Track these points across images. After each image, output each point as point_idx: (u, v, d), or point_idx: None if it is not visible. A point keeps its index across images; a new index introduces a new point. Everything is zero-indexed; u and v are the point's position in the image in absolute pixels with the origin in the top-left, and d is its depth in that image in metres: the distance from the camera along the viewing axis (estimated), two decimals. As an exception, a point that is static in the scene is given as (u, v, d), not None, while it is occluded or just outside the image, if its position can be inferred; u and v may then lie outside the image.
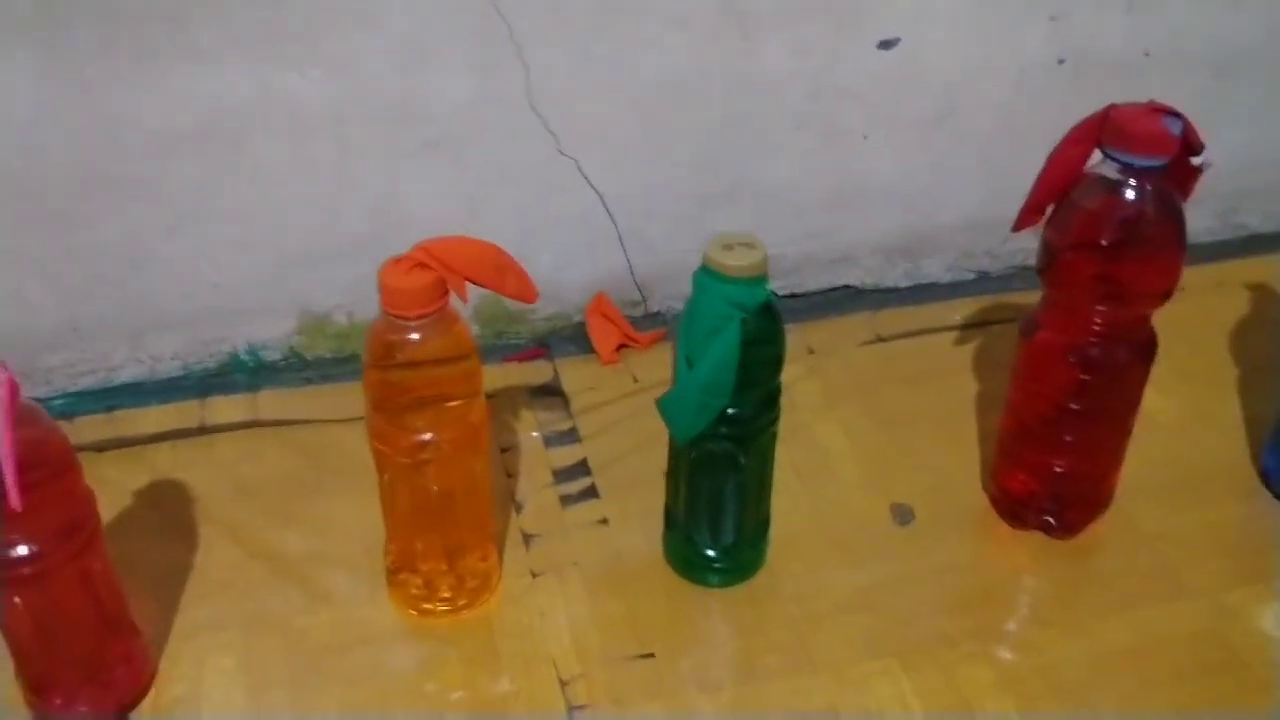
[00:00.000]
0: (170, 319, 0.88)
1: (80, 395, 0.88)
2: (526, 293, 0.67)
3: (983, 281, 1.04)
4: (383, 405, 0.67)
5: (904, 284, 1.03)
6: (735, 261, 0.64)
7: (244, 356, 0.91)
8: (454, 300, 0.64)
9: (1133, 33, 0.94)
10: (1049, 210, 0.71)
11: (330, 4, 0.78)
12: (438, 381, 0.66)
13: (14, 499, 0.56)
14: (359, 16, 0.79)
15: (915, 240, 1.01)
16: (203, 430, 0.87)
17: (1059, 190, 0.69)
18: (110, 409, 0.88)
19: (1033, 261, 1.03)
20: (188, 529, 0.79)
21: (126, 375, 0.90)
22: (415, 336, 0.64)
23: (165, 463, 0.84)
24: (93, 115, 0.78)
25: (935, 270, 1.03)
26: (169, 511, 0.80)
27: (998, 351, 0.94)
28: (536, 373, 0.93)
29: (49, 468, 0.60)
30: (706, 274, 0.65)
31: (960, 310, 1.00)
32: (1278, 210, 1.09)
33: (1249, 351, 0.95)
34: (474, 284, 0.64)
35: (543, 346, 0.96)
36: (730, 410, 0.67)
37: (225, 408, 0.89)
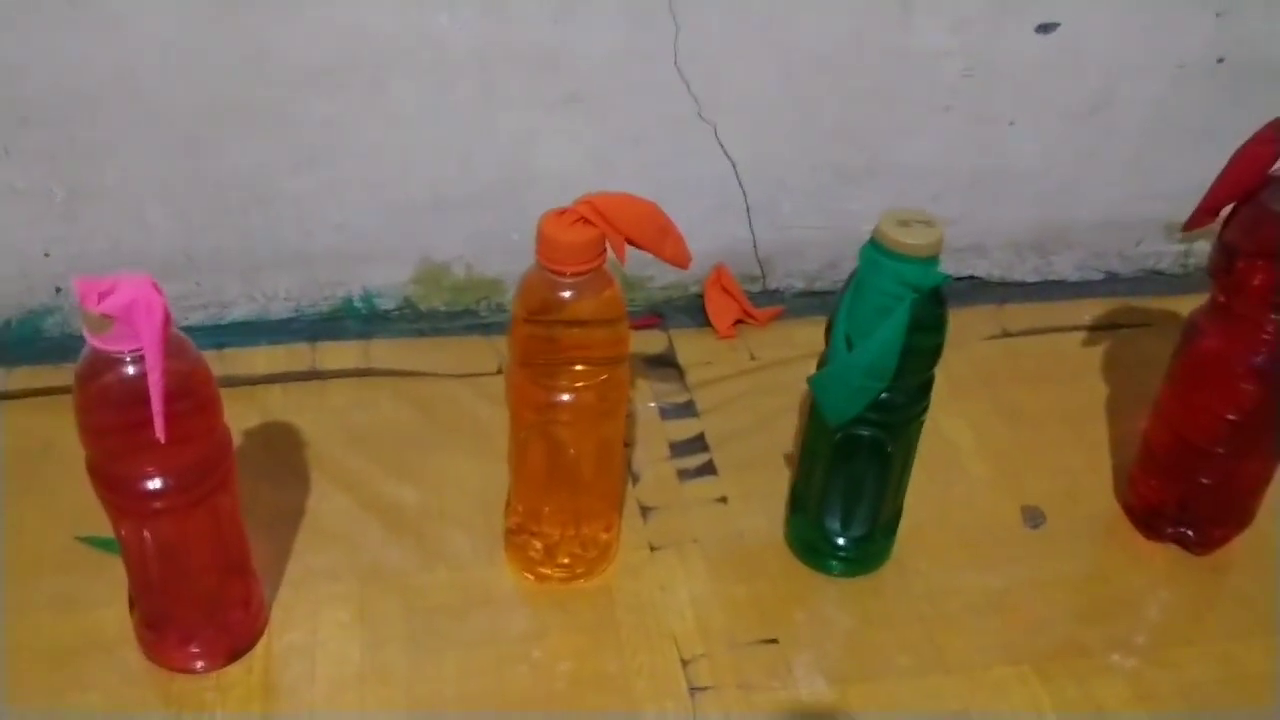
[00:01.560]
0: (287, 257, 0.86)
1: (191, 330, 0.86)
2: (682, 258, 0.64)
3: (1111, 283, 1.01)
4: (529, 361, 0.64)
5: (1031, 279, 0.99)
6: (913, 240, 0.61)
7: (357, 303, 0.89)
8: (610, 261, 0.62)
9: (1300, 36, 0.90)
10: (1226, 211, 0.68)
11: (492, -57, 0.76)
12: (586, 343, 0.63)
13: (160, 429, 0.55)
14: (518, -43, 0.76)
15: (1048, 235, 0.97)
16: (314, 374, 0.85)
17: (1241, 191, 0.66)
18: (220, 346, 0.86)
19: (1163, 266, 1.01)
20: (300, 474, 0.77)
21: (238, 313, 0.88)
22: (569, 294, 0.61)
23: (276, 405, 0.82)
24: (233, 40, 0.76)
25: (1064, 268, 1.00)
26: (281, 455, 0.79)
27: (1126, 355, 0.91)
28: (651, 342, 0.91)
29: (193, 400, 0.58)
30: (878, 250, 0.62)
31: (1089, 310, 0.96)
32: None
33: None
34: (633, 245, 0.62)
35: (658, 315, 0.93)
36: (884, 395, 0.65)
37: (337, 353, 0.87)
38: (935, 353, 0.66)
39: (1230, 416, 0.70)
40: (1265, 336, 0.67)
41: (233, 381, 0.83)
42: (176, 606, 0.64)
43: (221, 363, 0.85)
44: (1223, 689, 0.68)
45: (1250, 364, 0.68)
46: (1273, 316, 0.67)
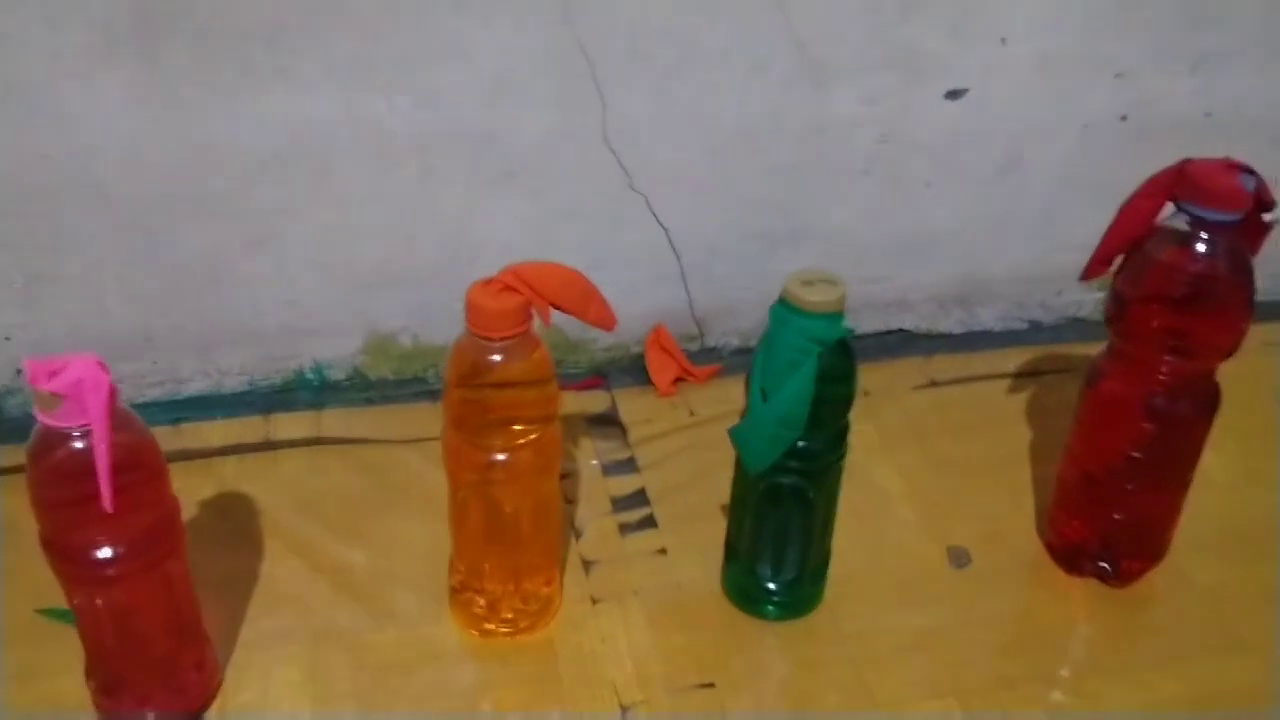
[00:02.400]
0: (240, 334, 0.90)
1: (147, 406, 0.90)
2: (607, 320, 0.68)
3: (1035, 332, 1.05)
4: (461, 423, 0.68)
5: (957, 330, 1.04)
6: (816, 297, 0.65)
7: (309, 374, 0.93)
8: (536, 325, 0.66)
9: (1195, 94, 0.96)
10: (1117, 261, 0.72)
11: (424, 37, 0.80)
12: (517, 403, 0.67)
13: (106, 500, 0.58)
14: (450, 50, 0.81)
15: (971, 288, 1.02)
16: (268, 445, 0.88)
17: (1130, 241, 0.71)
18: (177, 421, 0.89)
19: (1084, 314, 1.06)
20: (254, 541, 0.80)
21: (194, 389, 0.92)
22: (498, 358, 0.65)
23: (231, 475, 0.85)
24: (185, 133, 0.80)
25: (988, 319, 1.04)
26: (235, 523, 0.82)
27: (1049, 401, 0.95)
28: (594, 402, 0.95)
29: (140, 472, 0.61)
30: (786, 308, 0.66)
31: (1013, 359, 1.01)
32: (1328, 274, 1.10)
33: (1300, 413, 0.95)
34: (558, 309, 0.66)
35: (600, 376, 0.97)
36: (801, 444, 0.68)
37: (289, 424, 0.90)
38: (847, 402, 0.70)
39: (1134, 454, 0.74)
40: (1161, 377, 0.72)
41: (189, 455, 0.87)
42: (131, 671, 0.66)
43: (178, 437, 0.88)
44: (1139, 717, 0.71)
45: (1148, 403, 0.72)
46: (1166, 358, 0.71)
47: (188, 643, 0.68)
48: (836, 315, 0.66)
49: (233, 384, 0.92)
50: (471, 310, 0.64)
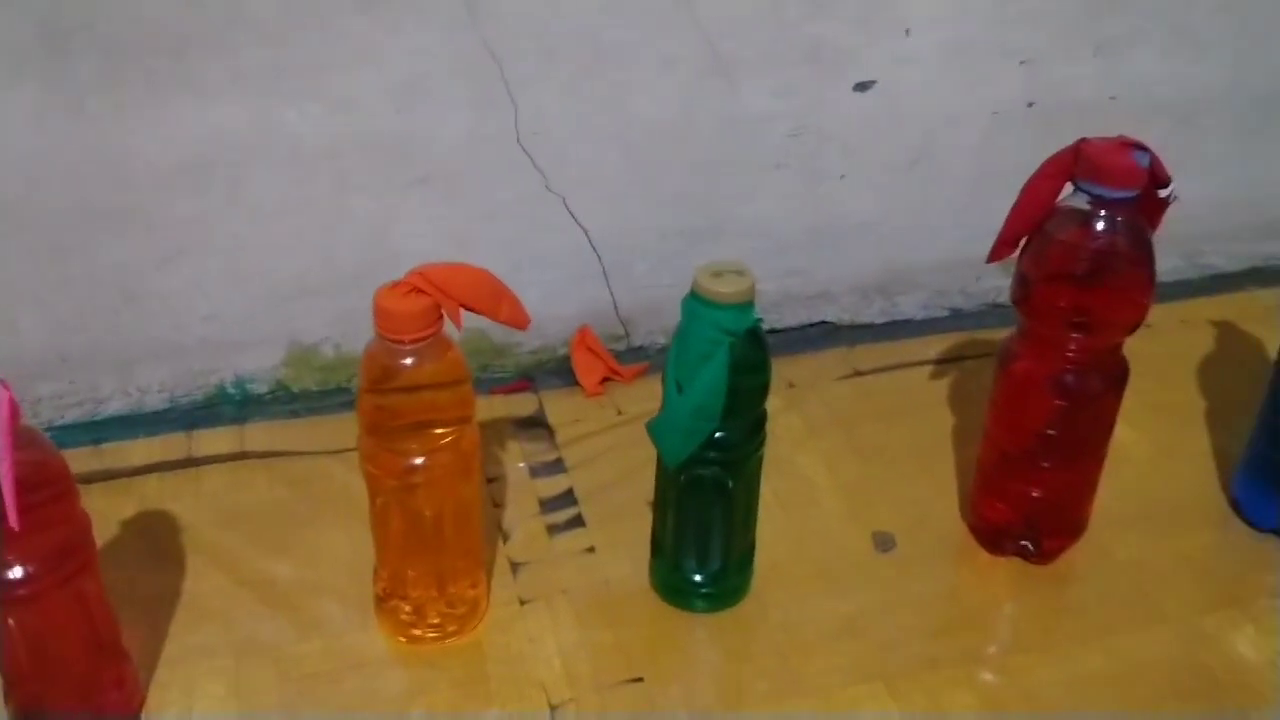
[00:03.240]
0: (160, 351, 0.89)
1: (67, 428, 0.89)
2: (519, 319, 0.68)
3: (956, 318, 1.07)
4: (376, 429, 0.68)
5: (879, 320, 1.05)
6: (724, 288, 0.66)
7: (230, 389, 0.92)
8: (448, 327, 0.66)
9: (1100, 78, 0.98)
10: (1022, 242, 0.73)
11: (332, 43, 0.80)
12: (431, 406, 0.67)
13: (13, 520, 0.57)
14: (360, 56, 0.81)
15: (891, 278, 1.03)
16: (190, 462, 0.87)
17: (1033, 223, 0.72)
18: (97, 442, 0.88)
19: (1004, 299, 1.07)
20: (176, 558, 0.79)
21: (113, 408, 0.90)
22: (409, 361, 0.65)
23: (153, 493, 0.85)
24: (92, 147, 0.80)
25: (910, 308, 1.05)
26: (157, 540, 0.81)
27: (971, 386, 0.97)
28: (522, 405, 0.95)
29: (48, 490, 0.61)
30: (696, 300, 0.67)
31: (935, 346, 1.02)
32: (1239, 250, 1.13)
33: (1215, 386, 0.97)
34: (468, 310, 0.65)
35: (527, 379, 0.97)
36: (718, 435, 0.69)
37: (212, 440, 0.89)
38: (762, 390, 0.70)
39: (1048, 431, 0.75)
40: (1069, 354, 0.73)
41: (111, 475, 0.86)
42: (50, 693, 0.65)
43: (98, 458, 0.87)
44: (1064, 691, 0.72)
45: (1058, 381, 0.74)
46: (1073, 335, 0.72)
47: (107, 661, 0.67)
48: (746, 305, 0.66)
49: (153, 402, 0.91)
50: (380, 314, 0.64)
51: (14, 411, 0.57)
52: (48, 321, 0.86)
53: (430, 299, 0.64)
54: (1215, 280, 1.13)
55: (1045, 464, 0.76)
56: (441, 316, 0.65)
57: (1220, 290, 1.11)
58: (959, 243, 1.02)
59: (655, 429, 0.70)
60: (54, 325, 0.86)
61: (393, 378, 0.65)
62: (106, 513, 0.81)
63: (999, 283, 1.06)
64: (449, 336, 0.66)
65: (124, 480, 0.85)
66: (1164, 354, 0.97)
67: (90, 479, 0.85)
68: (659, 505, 0.76)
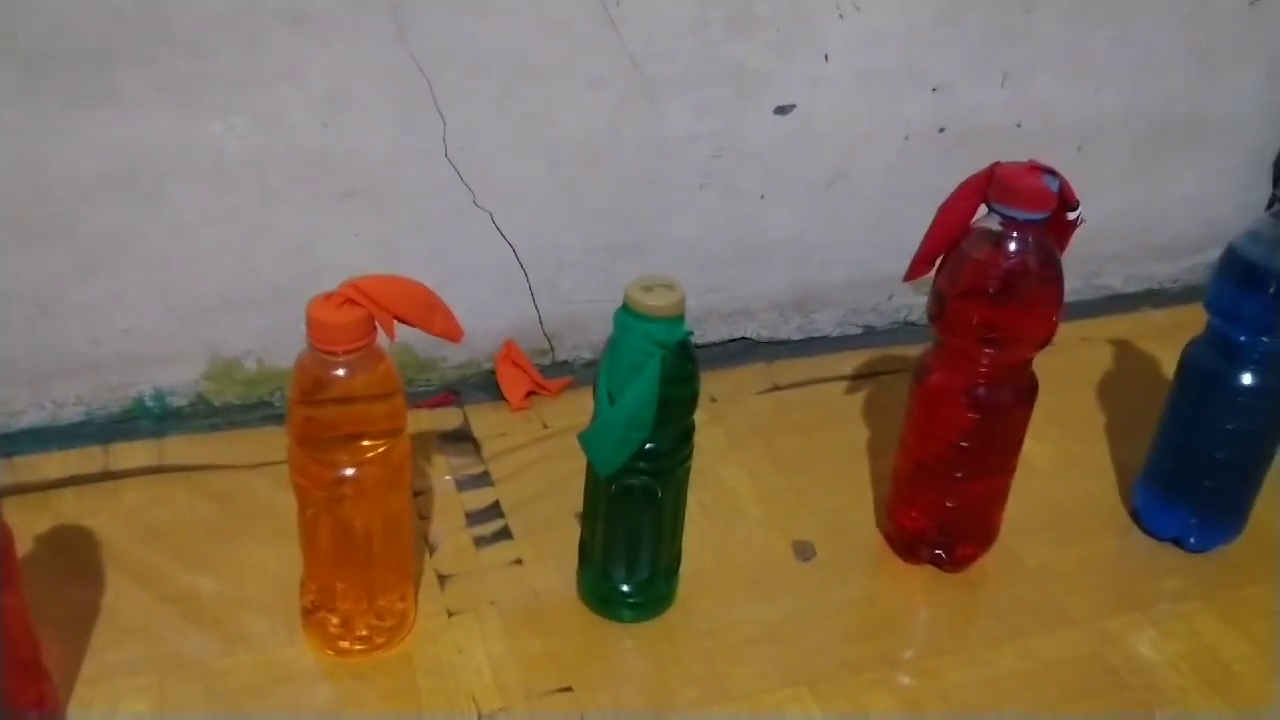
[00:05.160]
0: (76, 364, 0.87)
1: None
2: (453, 331, 0.69)
3: (869, 335, 1.10)
4: (306, 440, 0.68)
5: (797, 337, 1.08)
6: (655, 301, 0.67)
7: (149, 403, 0.91)
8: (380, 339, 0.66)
9: (1006, 105, 1.02)
10: (938, 261, 0.76)
11: (257, 56, 0.80)
12: (363, 418, 0.67)
13: (-67, 532, 0.56)
14: (285, 69, 0.81)
15: (807, 296, 1.06)
16: (107, 475, 0.86)
17: (948, 242, 0.75)
18: (10, 455, 0.86)
19: (914, 318, 1.11)
20: (96, 574, 0.78)
21: (27, 421, 0.88)
22: (341, 373, 0.65)
23: (69, 508, 0.83)
24: (10, 158, 0.78)
25: (826, 324, 1.08)
26: (75, 556, 0.79)
27: (885, 400, 1.00)
28: (447, 419, 0.95)
29: (-31, 501, 0.59)
30: (628, 313, 0.68)
31: (850, 362, 1.05)
32: (1135, 272, 1.19)
33: (1113, 401, 1.02)
34: (401, 322, 0.66)
35: (452, 393, 0.97)
36: (649, 445, 0.70)
37: (130, 453, 0.88)
38: (691, 402, 0.72)
39: (962, 443, 0.78)
40: (981, 369, 0.76)
41: (24, 489, 0.84)
42: (-35, 712, 0.64)
43: (11, 471, 0.85)
44: (979, 692, 0.75)
45: (971, 394, 0.77)
46: (985, 350, 0.75)
47: (26, 680, 0.65)
48: (677, 319, 0.68)
49: (69, 415, 0.89)
50: (313, 325, 0.64)
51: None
52: (-41, 334, 0.84)
53: (364, 310, 0.64)
54: (1112, 300, 1.18)
55: (958, 474, 0.79)
56: (374, 328, 0.65)
57: (1116, 310, 1.16)
58: (872, 261, 1.05)
59: (587, 439, 0.71)
60: (-35, 338, 0.84)
61: (324, 389, 0.65)
62: (21, 527, 0.78)
63: (909, 300, 1.09)
64: (381, 348, 0.67)
65: (38, 494, 0.84)
66: (1065, 370, 1.00)
67: (3, 492, 0.83)
68: (588, 515, 0.77)
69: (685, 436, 0.73)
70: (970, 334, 0.75)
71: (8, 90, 0.76)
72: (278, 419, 0.92)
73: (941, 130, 1.01)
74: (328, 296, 0.65)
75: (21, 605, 0.64)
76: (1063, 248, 0.74)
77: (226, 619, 0.75)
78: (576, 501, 0.86)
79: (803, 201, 1.00)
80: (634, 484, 0.72)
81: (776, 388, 1.02)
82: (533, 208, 0.93)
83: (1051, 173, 0.72)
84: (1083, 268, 1.15)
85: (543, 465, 0.91)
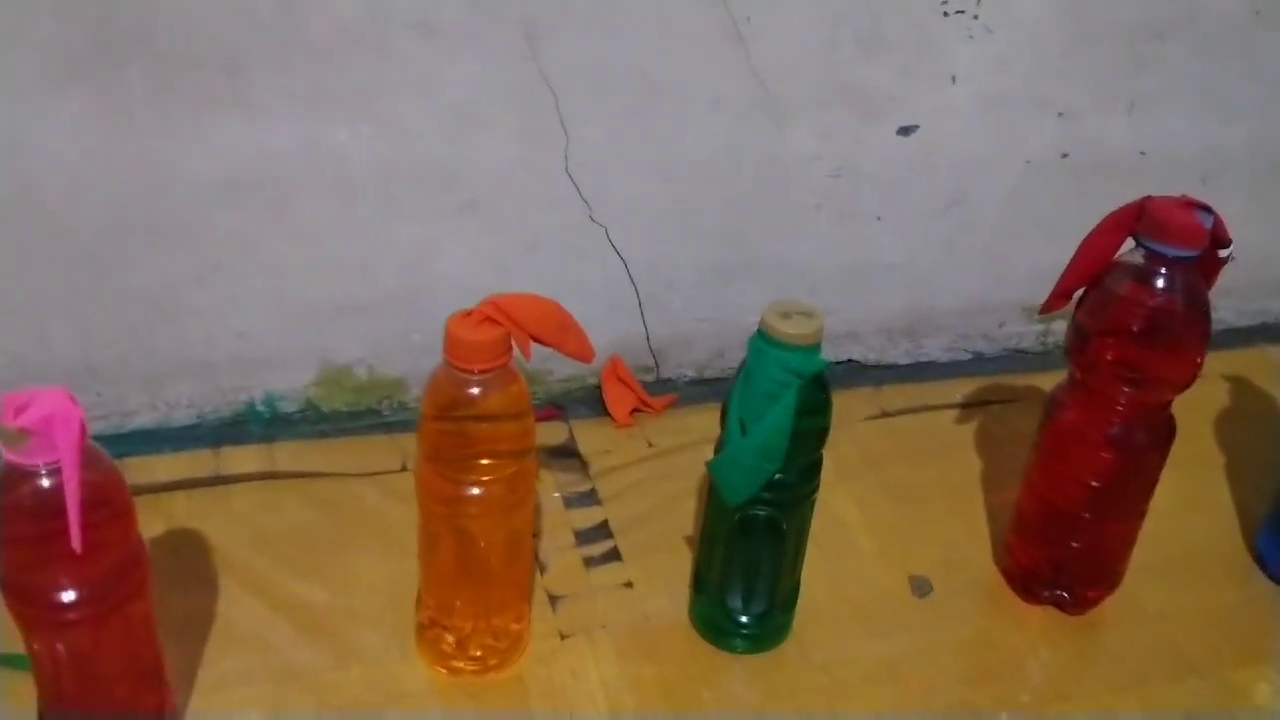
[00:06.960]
0: (189, 366, 0.87)
1: (92, 440, 0.86)
2: (585, 352, 0.68)
3: (978, 362, 1.08)
4: (437, 457, 0.67)
5: (904, 361, 1.06)
6: (794, 330, 0.66)
7: (260, 407, 0.91)
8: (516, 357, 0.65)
9: (1131, 133, 0.99)
10: (1076, 295, 0.74)
11: (389, 68, 0.80)
12: (494, 437, 0.66)
13: (76, 541, 0.55)
14: (416, 81, 0.81)
15: (917, 320, 1.04)
16: (218, 480, 0.86)
17: (1090, 276, 0.73)
18: (122, 455, 0.86)
19: (1025, 345, 1.09)
20: (208, 579, 0.78)
21: (140, 422, 0.89)
22: (476, 391, 0.64)
23: (180, 511, 0.83)
24: (138, 159, 0.78)
25: (934, 350, 1.06)
26: (187, 561, 0.79)
27: (997, 431, 0.97)
28: (552, 434, 0.94)
29: (108, 510, 0.59)
30: (764, 340, 0.67)
31: (959, 389, 1.03)
32: (1250, 307, 1.15)
33: (1232, 442, 0.99)
34: (537, 341, 0.65)
35: (557, 408, 0.96)
36: (778, 475, 0.69)
37: (240, 458, 0.88)
38: (822, 434, 0.70)
39: (1093, 483, 0.76)
40: (1119, 408, 0.74)
41: (135, 490, 0.81)
42: (88, 718, 0.63)
43: (124, 472, 0.84)
44: (1102, 740, 0.73)
45: (1107, 434, 0.74)
46: (1124, 390, 0.73)
47: (149, 687, 0.65)
48: (814, 347, 0.66)
49: (181, 417, 0.89)
50: (451, 342, 0.63)
51: (83, 429, 0.56)
52: (78, 333, 0.84)
53: (502, 329, 0.64)
54: (1226, 335, 1.15)
55: (1087, 515, 0.77)
56: (511, 347, 0.65)
57: (1231, 345, 1.13)
58: (984, 287, 1.03)
59: (717, 467, 0.70)
60: (84, 337, 0.84)
61: (459, 406, 0.65)
62: (134, 530, 0.79)
63: (1020, 329, 1.07)
64: (515, 368, 0.66)
65: (150, 496, 0.83)
66: (1181, 408, 0.98)
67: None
68: (706, 542, 0.75)
69: (813, 469, 0.72)
70: (1111, 373, 0.73)
71: (142, 92, 0.76)
72: (385, 427, 0.92)
73: (1064, 156, 0.99)
74: (467, 314, 0.64)
75: (151, 615, 0.64)
76: (1209, 285, 0.72)
77: (338, 631, 0.75)
78: (685, 524, 0.85)
79: (918, 225, 0.99)
80: (758, 514, 0.71)
81: (885, 414, 1.00)
82: (647, 224, 0.92)
83: (1205, 208, 0.69)
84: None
85: (650, 485, 0.89)
